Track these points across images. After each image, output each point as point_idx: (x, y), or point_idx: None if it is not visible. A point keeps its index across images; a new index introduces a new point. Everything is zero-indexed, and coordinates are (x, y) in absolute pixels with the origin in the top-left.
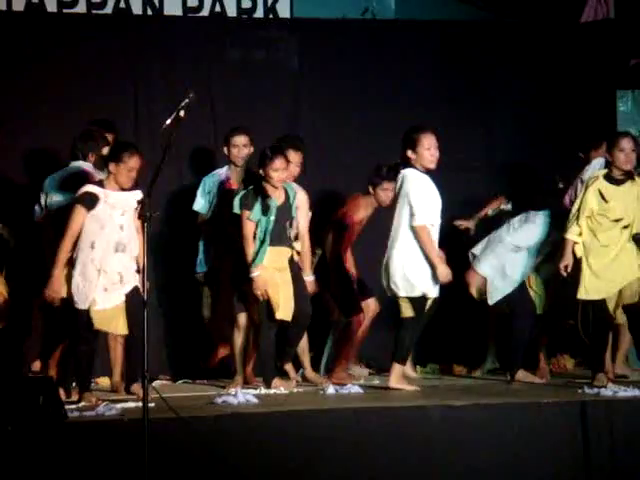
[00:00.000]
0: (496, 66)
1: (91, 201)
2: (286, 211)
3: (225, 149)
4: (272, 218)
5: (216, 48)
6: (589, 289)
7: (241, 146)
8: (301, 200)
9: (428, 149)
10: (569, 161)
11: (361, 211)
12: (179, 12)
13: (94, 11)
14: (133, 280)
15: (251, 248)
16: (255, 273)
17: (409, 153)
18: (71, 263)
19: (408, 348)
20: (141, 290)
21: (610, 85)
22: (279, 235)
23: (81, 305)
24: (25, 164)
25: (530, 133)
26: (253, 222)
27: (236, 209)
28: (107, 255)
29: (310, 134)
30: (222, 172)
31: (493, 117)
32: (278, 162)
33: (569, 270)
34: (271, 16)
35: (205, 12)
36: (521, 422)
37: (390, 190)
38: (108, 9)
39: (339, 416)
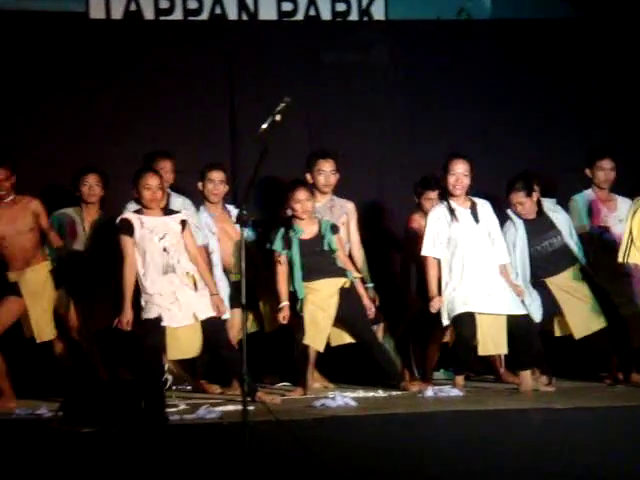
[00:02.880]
0: (597, 64)
1: (128, 227)
2: (316, 245)
3: (200, 184)
4: (296, 252)
5: (311, 51)
6: None
7: (217, 182)
8: (350, 210)
9: (453, 175)
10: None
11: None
12: (274, 17)
13: (190, 18)
14: (204, 304)
15: (280, 279)
16: (282, 304)
17: (444, 177)
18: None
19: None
20: (218, 310)
21: None
22: (313, 269)
23: (148, 315)
24: (122, 166)
25: (621, 135)
26: (277, 253)
27: (269, 246)
28: (156, 278)
29: (405, 136)
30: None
31: (591, 118)
32: (299, 193)
33: None
34: (365, 19)
35: (300, 16)
36: (624, 425)
37: (434, 199)
38: (204, 15)
39: (438, 419)
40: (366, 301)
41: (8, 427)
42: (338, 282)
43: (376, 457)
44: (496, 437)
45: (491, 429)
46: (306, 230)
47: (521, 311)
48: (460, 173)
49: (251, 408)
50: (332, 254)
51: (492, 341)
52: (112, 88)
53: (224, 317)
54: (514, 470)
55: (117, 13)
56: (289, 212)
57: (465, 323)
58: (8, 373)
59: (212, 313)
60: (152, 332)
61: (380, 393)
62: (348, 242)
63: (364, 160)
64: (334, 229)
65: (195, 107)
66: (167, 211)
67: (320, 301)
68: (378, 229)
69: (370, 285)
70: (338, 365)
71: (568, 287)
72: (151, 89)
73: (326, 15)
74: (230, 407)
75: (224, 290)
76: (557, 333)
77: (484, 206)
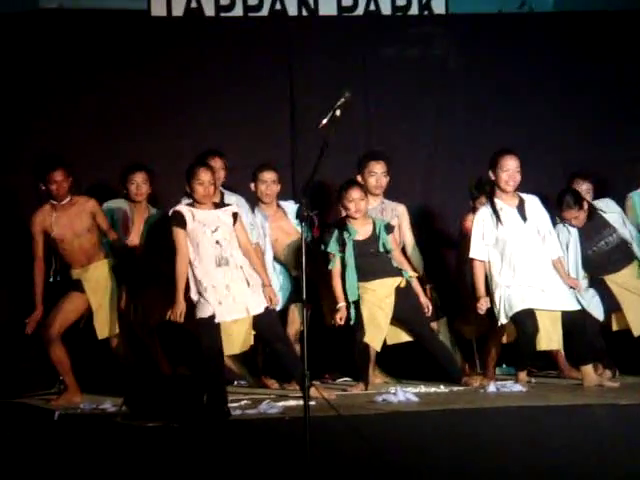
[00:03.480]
0: None
1: (181, 219)
2: (371, 246)
3: (252, 185)
4: (350, 253)
5: (371, 46)
6: None
7: (270, 182)
8: (401, 213)
9: (506, 171)
10: None
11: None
12: (334, 12)
13: (250, 14)
14: (256, 299)
15: (335, 281)
16: (339, 304)
17: (490, 173)
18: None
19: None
20: (271, 301)
21: None
22: (369, 270)
23: (202, 314)
24: (180, 163)
25: None
26: (332, 254)
27: (324, 248)
28: (210, 270)
29: (465, 131)
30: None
31: None
32: (353, 193)
33: None
34: (426, 13)
35: (360, 11)
36: None
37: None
38: (264, 11)
39: (501, 414)
40: (423, 299)
41: (73, 421)
42: (394, 282)
43: (438, 452)
44: (560, 433)
45: (555, 425)
46: (360, 231)
47: (575, 306)
48: (513, 169)
49: (312, 403)
50: (387, 254)
51: (546, 337)
52: (174, 85)
53: (277, 308)
54: (578, 466)
55: (178, 10)
56: (342, 212)
57: (527, 319)
58: (72, 368)
59: (264, 307)
60: (208, 331)
61: (442, 388)
62: (401, 243)
63: (423, 156)
64: (388, 229)
65: (255, 103)
66: (219, 204)
67: (378, 300)
68: (433, 228)
69: (429, 285)
70: (400, 361)
71: (627, 284)
72: (212, 85)
73: (386, 10)
74: (292, 402)
75: (276, 285)
76: (614, 327)
77: (532, 202)
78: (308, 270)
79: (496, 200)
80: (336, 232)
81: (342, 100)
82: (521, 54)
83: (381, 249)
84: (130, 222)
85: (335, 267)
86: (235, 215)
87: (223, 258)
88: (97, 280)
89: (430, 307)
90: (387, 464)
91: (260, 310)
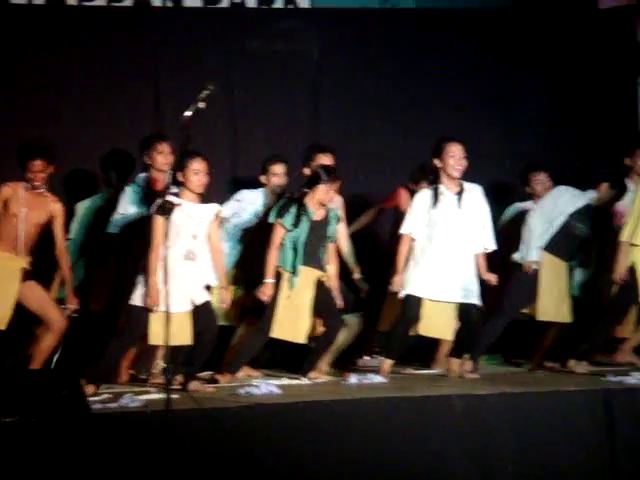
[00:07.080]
0: (515, 55)
1: (168, 209)
2: (321, 228)
3: (264, 177)
4: (304, 229)
5: (236, 39)
6: None
7: (281, 174)
8: (338, 203)
9: (453, 157)
10: (589, 152)
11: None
12: (199, 4)
13: (114, 4)
14: (201, 291)
15: (273, 254)
16: (268, 280)
17: (435, 161)
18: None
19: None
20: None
21: (631, 73)
22: (310, 253)
23: (144, 302)
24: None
25: (550, 122)
26: (283, 229)
27: (271, 218)
28: (176, 261)
29: (329, 125)
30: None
31: (512, 107)
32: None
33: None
34: (291, 6)
35: (225, 3)
36: (544, 411)
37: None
38: (128, 1)
39: (362, 406)
40: (335, 293)
41: None
42: (320, 275)
43: (298, 444)
44: (418, 424)
45: (413, 416)
46: (316, 212)
47: (474, 301)
48: (460, 155)
49: (175, 396)
50: (329, 243)
51: (437, 325)
52: (34, 74)
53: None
54: (435, 456)
55: None
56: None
57: (413, 305)
58: None
59: (206, 299)
60: (138, 321)
61: (304, 380)
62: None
63: (290, 148)
64: (337, 219)
65: (119, 94)
66: (203, 199)
67: (300, 289)
68: None
69: (359, 276)
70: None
71: None
72: (74, 76)
73: (251, 2)
74: (154, 395)
75: None
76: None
77: (473, 191)
78: None
79: (440, 185)
80: (295, 208)
81: (205, 92)
82: (383, 49)
83: (329, 234)
84: None
85: (280, 242)
86: (217, 214)
87: (192, 253)
88: (9, 270)
89: (341, 302)
90: (249, 456)
91: (202, 301)
